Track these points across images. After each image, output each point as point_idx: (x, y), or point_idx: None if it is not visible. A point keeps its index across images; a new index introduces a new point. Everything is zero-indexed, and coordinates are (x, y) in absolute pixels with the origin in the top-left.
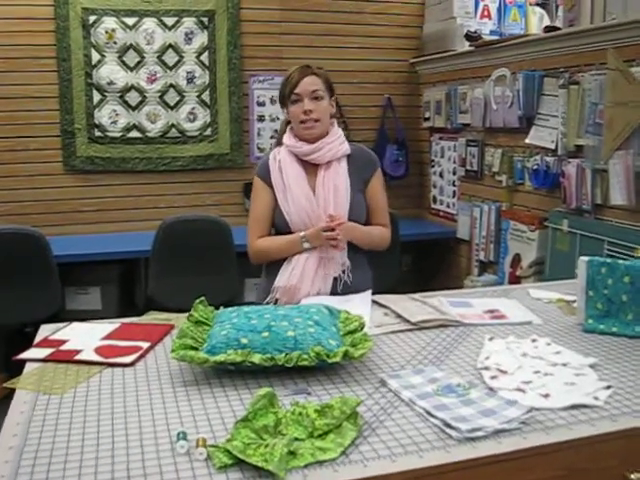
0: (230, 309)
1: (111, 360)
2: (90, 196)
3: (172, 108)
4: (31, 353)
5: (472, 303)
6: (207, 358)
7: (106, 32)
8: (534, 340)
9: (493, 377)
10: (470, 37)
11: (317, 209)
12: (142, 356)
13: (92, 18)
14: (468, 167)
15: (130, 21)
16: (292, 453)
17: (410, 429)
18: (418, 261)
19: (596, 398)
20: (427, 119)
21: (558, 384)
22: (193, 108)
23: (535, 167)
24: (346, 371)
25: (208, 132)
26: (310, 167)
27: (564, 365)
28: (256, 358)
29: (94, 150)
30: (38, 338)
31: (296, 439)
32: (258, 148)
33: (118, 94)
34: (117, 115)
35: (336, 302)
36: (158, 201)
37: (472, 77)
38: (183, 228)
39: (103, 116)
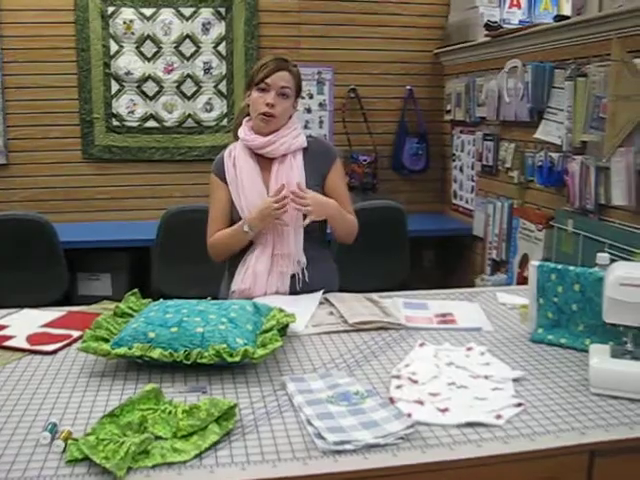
0: (158, 302)
1: (35, 347)
2: (107, 184)
3: (189, 98)
4: None
5: (428, 305)
6: (109, 350)
7: (124, 23)
8: (469, 348)
9: (398, 386)
10: (490, 27)
11: None
12: (68, 344)
13: (110, 9)
14: (484, 162)
15: (148, 12)
16: (146, 452)
17: (282, 437)
18: (439, 257)
19: (498, 417)
20: (448, 112)
21: (466, 398)
22: (210, 98)
23: (540, 163)
24: (255, 370)
25: (224, 122)
26: (265, 162)
27: (486, 378)
28: (155, 353)
29: (112, 139)
30: None
31: (159, 438)
32: None
33: (135, 84)
34: (134, 105)
35: (285, 301)
36: (173, 190)
37: (489, 69)
38: (185, 218)
39: (121, 106)
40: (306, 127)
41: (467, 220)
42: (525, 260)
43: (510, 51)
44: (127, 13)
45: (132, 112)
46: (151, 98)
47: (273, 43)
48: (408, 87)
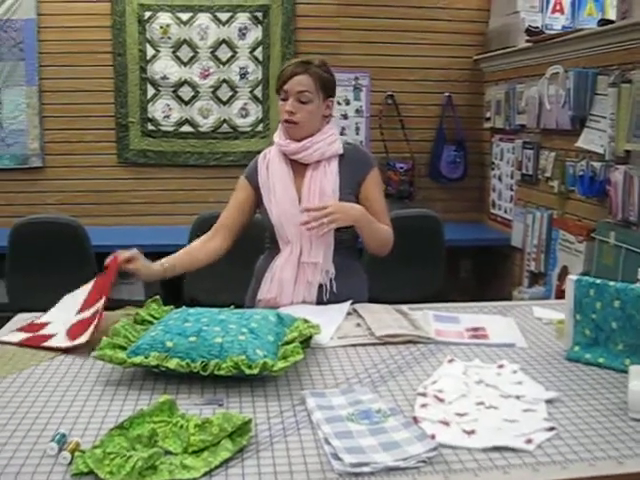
0: (180, 310)
1: (74, 343)
2: (141, 188)
3: (224, 103)
4: (8, 336)
5: (459, 319)
6: (125, 359)
7: (161, 27)
8: (501, 366)
9: (423, 405)
10: (531, 32)
11: (299, 213)
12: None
13: (147, 14)
14: (524, 171)
15: (184, 16)
16: (154, 467)
17: (297, 456)
18: (476, 267)
19: (529, 441)
20: (488, 119)
21: (495, 420)
22: (245, 104)
23: (581, 173)
24: (275, 383)
25: (260, 128)
26: (299, 167)
27: (517, 398)
28: (172, 363)
29: (147, 143)
30: (12, 326)
31: (170, 453)
32: None
33: (171, 89)
34: (170, 109)
35: (311, 311)
36: (207, 195)
37: (530, 75)
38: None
39: (156, 110)
40: (342, 133)
41: (506, 230)
42: (565, 273)
43: (552, 57)
44: (164, 18)
45: (167, 117)
46: (187, 103)
47: (310, 48)
48: (446, 94)
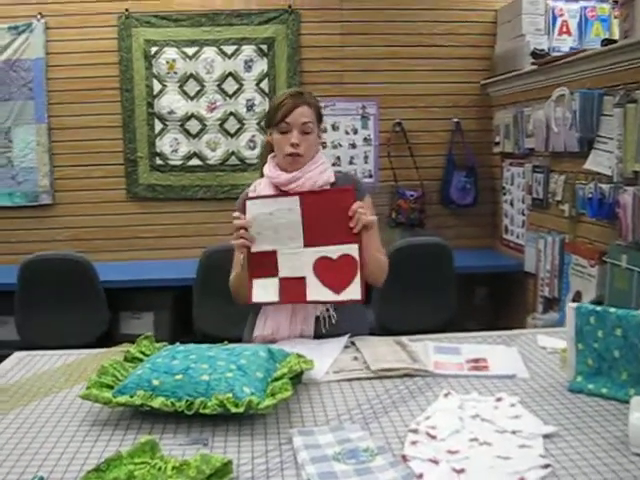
0: (169, 347)
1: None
2: (151, 223)
3: (232, 136)
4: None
5: (460, 350)
6: (110, 399)
7: (167, 62)
8: (499, 399)
9: (414, 442)
10: (537, 55)
11: None
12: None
13: (154, 49)
14: (534, 195)
15: (190, 51)
16: None
17: None
18: (491, 294)
19: None
20: (497, 144)
21: (487, 457)
22: (253, 135)
23: (590, 195)
24: (263, 421)
25: None
26: None
27: (513, 433)
28: (157, 402)
29: (155, 178)
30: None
31: None
32: None
33: (179, 123)
34: (178, 143)
35: (308, 346)
36: (217, 229)
37: (537, 98)
38: (225, 256)
39: (164, 144)
40: (351, 163)
41: (519, 256)
42: (578, 298)
43: (557, 79)
44: (170, 53)
45: (175, 151)
46: (194, 136)
47: (315, 78)
48: (455, 120)
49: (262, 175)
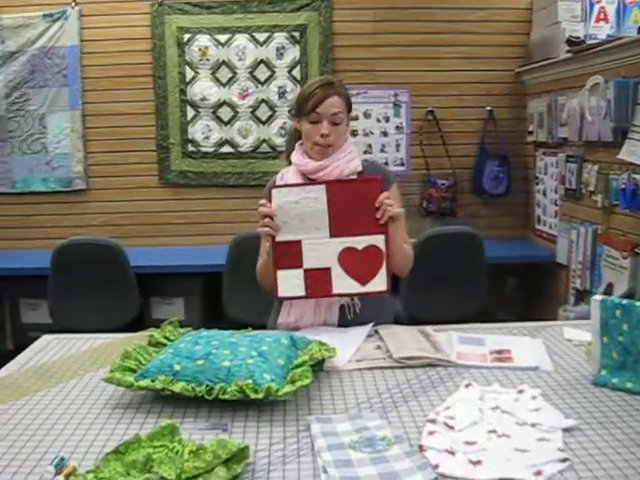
0: (192, 332)
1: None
2: (182, 209)
3: (264, 123)
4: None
5: (485, 341)
6: (132, 382)
7: (199, 49)
8: (520, 391)
9: (431, 432)
10: (572, 42)
11: None
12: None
13: (186, 36)
14: (567, 185)
15: (222, 38)
16: None
17: None
18: (523, 285)
19: (538, 473)
20: (531, 132)
21: (505, 450)
22: (284, 123)
23: (623, 186)
24: (283, 408)
25: None
26: None
27: (532, 426)
28: (177, 387)
29: (187, 164)
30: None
31: (164, 479)
32: None
33: (211, 110)
34: (210, 130)
35: (331, 334)
36: (248, 216)
37: (571, 87)
38: (254, 243)
39: (196, 131)
40: (382, 151)
41: (551, 246)
42: (610, 290)
43: (592, 67)
44: (202, 40)
45: (207, 137)
46: (226, 123)
47: (347, 66)
48: (488, 108)
49: (289, 162)
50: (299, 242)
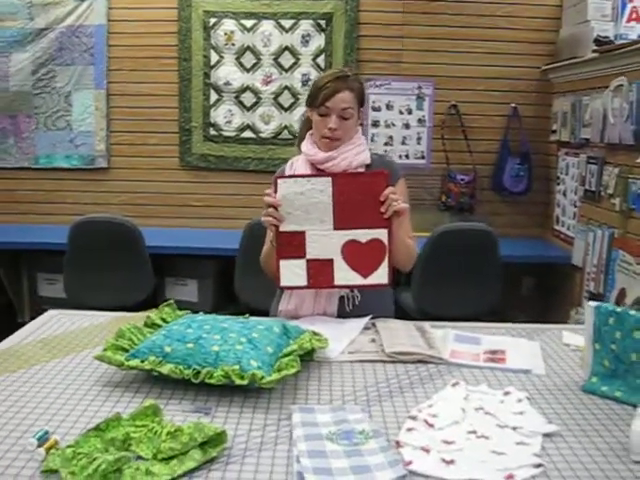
0: (188, 316)
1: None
2: (202, 192)
3: (286, 110)
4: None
5: (481, 340)
6: (122, 362)
7: (225, 34)
8: (507, 393)
9: (410, 429)
10: (600, 42)
11: None
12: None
13: (212, 20)
14: (587, 187)
15: (248, 23)
16: (120, 471)
17: (264, 472)
18: (539, 285)
19: (510, 477)
20: (554, 132)
21: (481, 451)
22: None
23: (639, 191)
24: (268, 395)
25: None
26: None
27: (513, 429)
28: (165, 369)
29: (208, 148)
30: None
31: (141, 458)
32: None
33: (234, 94)
34: (232, 115)
35: (328, 324)
36: None
37: (596, 87)
38: (265, 229)
39: (219, 115)
40: (403, 143)
41: (568, 248)
42: (622, 296)
43: (618, 68)
44: (228, 24)
45: (229, 122)
46: (248, 109)
47: (373, 56)
48: (513, 105)
49: (300, 151)
50: (303, 233)
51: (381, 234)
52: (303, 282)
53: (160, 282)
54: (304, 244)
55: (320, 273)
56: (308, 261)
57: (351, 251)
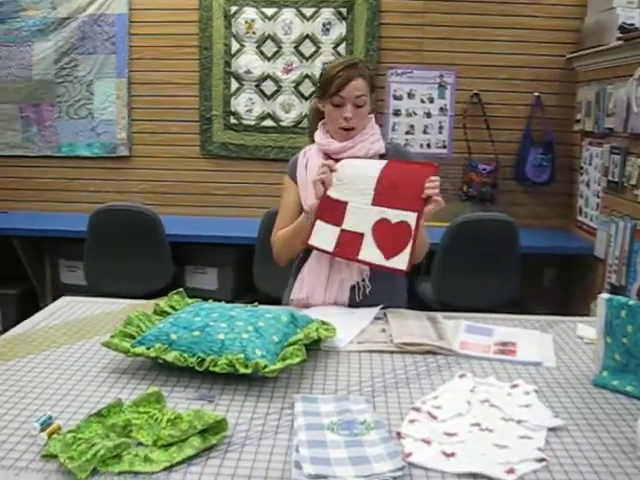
0: (196, 304)
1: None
2: (222, 180)
3: (306, 98)
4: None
5: (492, 331)
6: (128, 348)
7: (246, 22)
8: (514, 386)
9: (412, 420)
10: (624, 30)
11: None
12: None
13: (233, 9)
14: (610, 177)
15: (269, 12)
16: (119, 457)
17: (262, 460)
18: (561, 276)
19: (510, 471)
20: (578, 121)
21: (484, 444)
22: None
23: None
24: (273, 384)
25: None
26: None
27: (518, 422)
28: (170, 356)
29: (229, 137)
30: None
31: (141, 444)
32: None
33: (254, 83)
34: (252, 103)
35: (339, 313)
36: None
37: (620, 76)
38: None
39: (239, 104)
40: (425, 132)
41: (591, 239)
42: None
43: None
44: (249, 13)
45: (250, 110)
46: (269, 97)
47: (395, 44)
48: (536, 94)
49: (312, 140)
50: (345, 204)
51: (410, 217)
52: (330, 248)
53: (180, 270)
54: (343, 214)
55: (348, 244)
56: (342, 231)
57: (381, 229)
